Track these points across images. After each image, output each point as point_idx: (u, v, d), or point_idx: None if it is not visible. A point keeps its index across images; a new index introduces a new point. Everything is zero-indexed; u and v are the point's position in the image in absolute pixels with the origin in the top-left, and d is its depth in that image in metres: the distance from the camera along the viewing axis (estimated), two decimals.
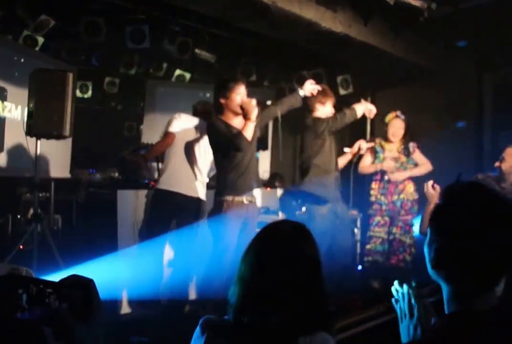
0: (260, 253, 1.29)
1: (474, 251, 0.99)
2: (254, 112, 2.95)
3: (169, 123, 3.61)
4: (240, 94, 3.05)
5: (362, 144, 3.90)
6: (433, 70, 5.60)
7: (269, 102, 3.30)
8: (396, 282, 1.29)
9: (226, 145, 2.99)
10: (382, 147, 4.10)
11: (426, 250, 1.08)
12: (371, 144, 4.02)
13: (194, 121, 3.65)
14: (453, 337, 0.97)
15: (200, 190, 3.56)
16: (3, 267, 2.34)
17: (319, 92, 3.40)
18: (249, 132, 2.95)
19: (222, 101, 3.06)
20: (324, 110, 3.56)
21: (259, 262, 1.27)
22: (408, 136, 4.10)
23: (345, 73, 6.33)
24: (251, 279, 1.24)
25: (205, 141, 3.46)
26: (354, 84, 6.26)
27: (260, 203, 3.99)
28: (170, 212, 3.54)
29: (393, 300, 1.28)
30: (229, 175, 3.00)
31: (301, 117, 3.68)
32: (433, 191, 3.69)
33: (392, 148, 4.07)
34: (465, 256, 1.01)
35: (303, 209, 3.60)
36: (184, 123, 3.59)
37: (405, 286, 1.27)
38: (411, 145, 4.07)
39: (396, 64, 5.41)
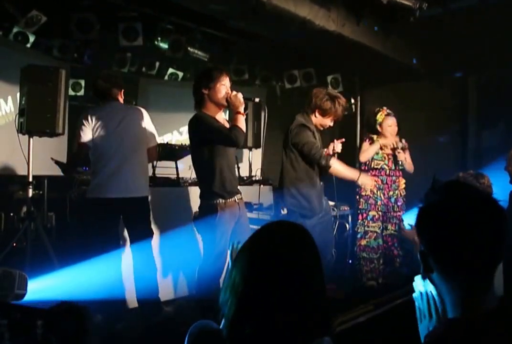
0: (253, 258, 1.14)
1: (461, 249, 0.99)
2: (242, 105, 2.76)
3: (77, 135, 3.13)
4: (224, 84, 2.83)
5: (337, 145, 3.46)
6: (420, 71, 5.67)
7: (257, 99, 3.10)
8: (417, 278, 1.15)
9: (221, 141, 2.74)
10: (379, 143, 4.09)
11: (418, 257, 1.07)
12: (341, 140, 3.56)
13: (103, 111, 3.18)
14: (456, 341, 0.96)
15: (136, 186, 3.13)
16: None
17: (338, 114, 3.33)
18: (243, 126, 2.71)
19: (205, 91, 2.82)
20: (326, 122, 3.38)
21: (252, 268, 1.12)
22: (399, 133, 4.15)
23: (335, 73, 6.38)
24: (244, 287, 1.10)
25: (124, 126, 3.10)
26: (343, 83, 6.32)
27: (257, 200, 4.00)
28: (109, 220, 3.11)
29: (414, 296, 1.17)
30: (220, 177, 2.75)
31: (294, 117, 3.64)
32: None
33: (387, 145, 4.10)
34: (450, 256, 1.00)
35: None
36: (93, 124, 3.11)
37: (425, 284, 1.13)
38: (404, 142, 4.11)
39: (385, 64, 5.46)
